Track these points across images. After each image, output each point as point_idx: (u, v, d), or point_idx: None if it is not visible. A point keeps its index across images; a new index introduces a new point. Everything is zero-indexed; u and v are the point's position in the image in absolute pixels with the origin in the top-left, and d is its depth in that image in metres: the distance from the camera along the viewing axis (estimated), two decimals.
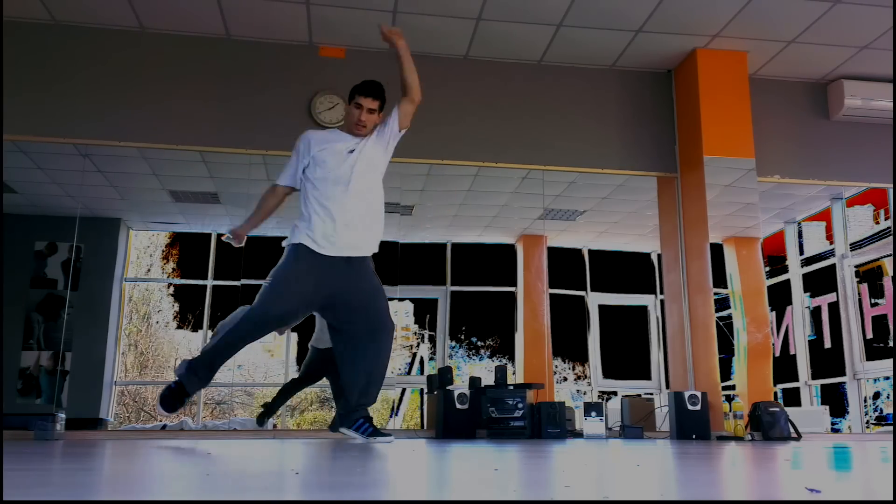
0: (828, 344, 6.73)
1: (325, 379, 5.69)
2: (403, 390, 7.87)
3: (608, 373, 7.16)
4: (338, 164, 3.46)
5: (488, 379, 5.33)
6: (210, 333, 7.22)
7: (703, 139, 5.28)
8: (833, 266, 6.64)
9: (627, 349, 7.49)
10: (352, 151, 3.49)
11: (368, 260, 3.51)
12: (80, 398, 6.37)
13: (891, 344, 6.09)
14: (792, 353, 7.07)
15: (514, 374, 6.64)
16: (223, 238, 3.63)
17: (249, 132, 5.20)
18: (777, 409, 4.69)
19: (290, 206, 6.71)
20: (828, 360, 6.70)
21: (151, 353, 8.37)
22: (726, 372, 5.18)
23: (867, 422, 6.45)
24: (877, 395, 6.86)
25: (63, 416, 4.32)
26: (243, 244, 3.64)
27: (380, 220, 3.53)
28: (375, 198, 3.52)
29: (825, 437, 5.37)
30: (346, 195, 3.42)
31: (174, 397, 3.34)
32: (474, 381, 5.04)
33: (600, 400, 6.67)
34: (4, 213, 5.86)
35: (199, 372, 3.34)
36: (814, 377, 6.85)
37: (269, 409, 5.30)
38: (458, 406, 4.70)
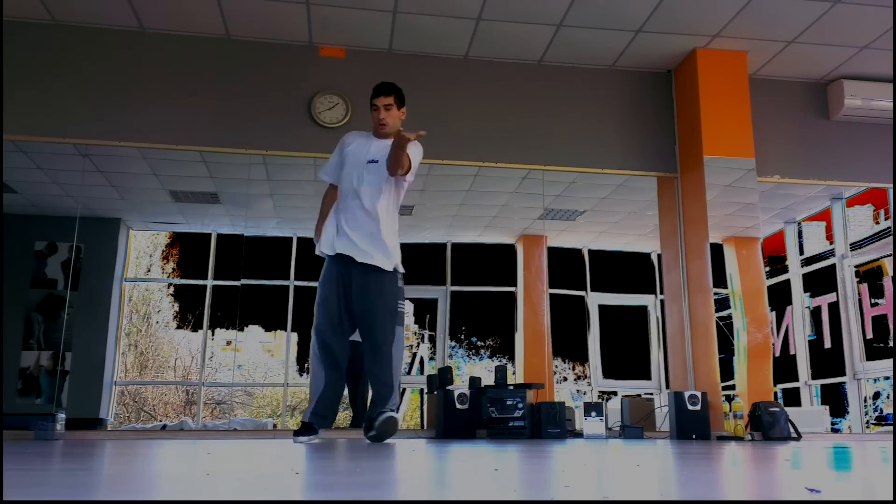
0: (828, 344, 6.73)
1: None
2: (403, 390, 7.87)
3: (608, 373, 7.15)
4: (351, 171, 3.63)
5: (488, 379, 5.33)
6: (210, 334, 7.22)
7: (703, 139, 5.28)
8: (833, 266, 6.64)
9: (627, 349, 7.49)
10: (372, 161, 3.62)
11: (381, 273, 3.58)
12: (80, 398, 6.37)
13: (891, 344, 6.09)
14: (792, 353, 7.07)
15: (514, 374, 6.64)
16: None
17: (249, 132, 5.20)
18: (777, 409, 4.69)
19: (282, 205, 6.71)
20: (828, 360, 6.70)
21: (151, 353, 8.38)
22: (726, 372, 5.17)
23: (867, 422, 6.45)
24: (877, 395, 6.86)
25: (63, 416, 4.32)
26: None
27: (384, 238, 3.59)
28: (380, 216, 3.59)
29: (825, 437, 5.37)
30: (355, 204, 3.59)
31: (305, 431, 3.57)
32: (474, 381, 5.04)
33: (600, 400, 6.67)
34: (4, 213, 5.86)
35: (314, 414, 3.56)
36: (814, 377, 6.85)
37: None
38: (458, 406, 4.70)
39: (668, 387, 5.93)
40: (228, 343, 7.79)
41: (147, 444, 3.32)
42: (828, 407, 6.53)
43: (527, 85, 5.56)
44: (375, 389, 3.65)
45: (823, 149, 5.74)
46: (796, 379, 6.94)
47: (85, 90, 5.06)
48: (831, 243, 6.71)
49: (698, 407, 4.68)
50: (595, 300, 7.20)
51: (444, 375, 5.09)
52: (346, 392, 3.89)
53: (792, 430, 4.66)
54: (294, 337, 7.26)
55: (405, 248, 3.83)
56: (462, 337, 7.74)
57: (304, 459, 2.25)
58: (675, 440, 4.51)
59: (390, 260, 3.60)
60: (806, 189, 6.17)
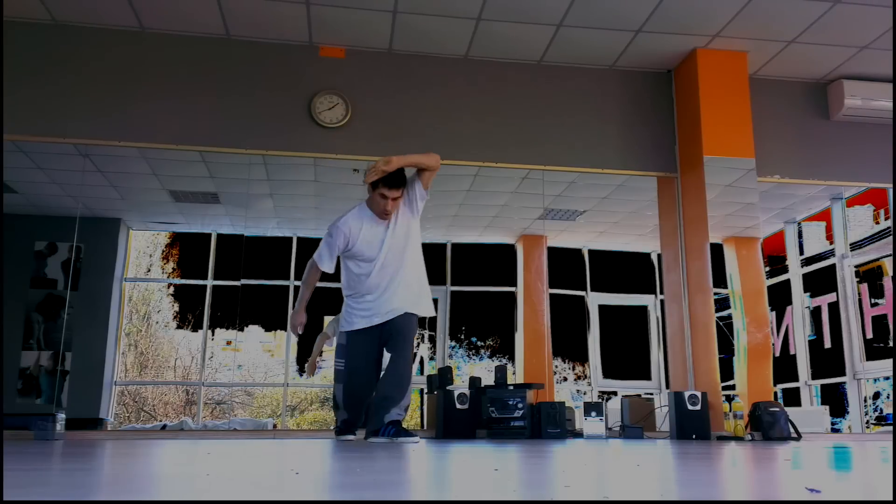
0: (828, 344, 6.73)
1: (325, 379, 5.69)
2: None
3: (608, 373, 7.15)
4: (372, 251, 3.76)
5: (488, 379, 5.33)
6: (210, 334, 7.21)
7: (703, 139, 5.28)
8: (833, 266, 6.64)
9: (627, 349, 7.49)
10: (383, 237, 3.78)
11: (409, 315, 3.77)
12: (80, 398, 6.37)
13: (891, 344, 6.09)
14: (792, 353, 7.07)
15: (514, 374, 6.64)
16: (296, 332, 3.92)
17: (249, 132, 5.20)
18: (777, 409, 4.69)
19: (282, 205, 6.71)
20: (828, 360, 6.70)
21: (151, 353, 8.37)
22: (726, 372, 5.18)
23: (867, 422, 6.45)
24: (877, 395, 6.86)
25: (63, 416, 4.32)
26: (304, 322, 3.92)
27: (415, 284, 3.81)
28: (409, 267, 3.82)
29: (825, 437, 5.37)
30: (377, 271, 3.75)
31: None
32: (474, 381, 5.04)
33: (600, 400, 6.67)
34: (4, 213, 5.86)
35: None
36: (814, 377, 6.85)
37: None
38: (458, 406, 4.70)
39: (668, 387, 5.93)
40: (228, 343, 7.79)
41: (147, 444, 3.32)
42: (828, 407, 6.53)
43: (527, 85, 5.56)
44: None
45: (823, 149, 5.74)
46: (796, 379, 6.94)
47: (85, 90, 5.06)
48: (831, 243, 6.71)
49: (698, 407, 4.68)
50: (595, 300, 7.20)
51: (444, 375, 5.09)
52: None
53: (792, 430, 4.66)
54: (294, 337, 7.26)
55: None
56: (462, 337, 7.74)
57: (303, 460, 2.25)
58: (675, 440, 4.51)
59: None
60: (806, 189, 6.17)
